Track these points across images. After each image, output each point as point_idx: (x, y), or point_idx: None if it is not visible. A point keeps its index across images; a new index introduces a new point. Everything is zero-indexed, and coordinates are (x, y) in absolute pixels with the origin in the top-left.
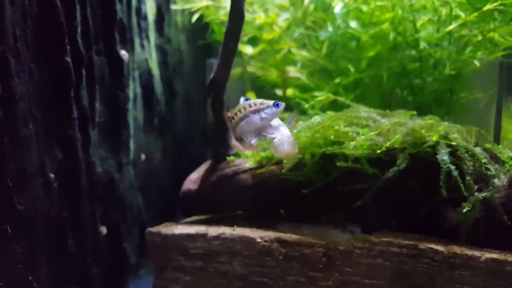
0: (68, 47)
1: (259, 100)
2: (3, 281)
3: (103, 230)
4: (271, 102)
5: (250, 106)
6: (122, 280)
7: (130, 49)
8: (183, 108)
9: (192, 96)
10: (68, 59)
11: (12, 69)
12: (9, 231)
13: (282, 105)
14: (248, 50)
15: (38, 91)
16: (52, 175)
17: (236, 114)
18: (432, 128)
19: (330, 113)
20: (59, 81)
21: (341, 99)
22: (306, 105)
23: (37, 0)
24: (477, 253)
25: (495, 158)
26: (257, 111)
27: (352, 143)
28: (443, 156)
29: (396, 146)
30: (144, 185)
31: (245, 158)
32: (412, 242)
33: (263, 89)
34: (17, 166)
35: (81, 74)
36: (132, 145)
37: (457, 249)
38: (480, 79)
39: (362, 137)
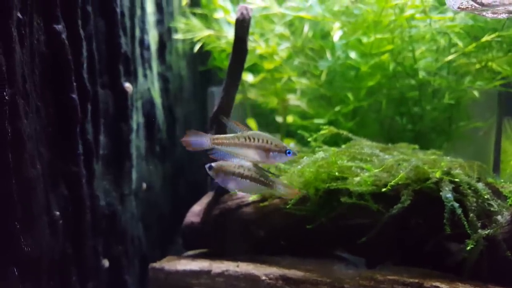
0: (74, 83)
1: (276, 141)
2: None
3: (105, 263)
4: (284, 148)
5: (265, 141)
6: None
7: (134, 80)
8: (182, 134)
9: (191, 122)
10: (75, 95)
11: (20, 111)
12: (16, 273)
13: (295, 154)
14: (249, 78)
15: (44, 129)
16: (58, 213)
17: (247, 138)
18: (435, 164)
19: (333, 149)
20: (65, 118)
21: (344, 132)
22: (310, 139)
23: (45, 39)
24: None
25: (497, 193)
26: (269, 150)
27: (356, 179)
28: (447, 193)
29: (400, 182)
30: (145, 215)
31: None
32: (417, 280)
33: (263, 115)
34: (24, 208)
35: (86, 109)
36: (134, 175)
37: (461, 286)
38: (478, 107)
39: (367, 173)
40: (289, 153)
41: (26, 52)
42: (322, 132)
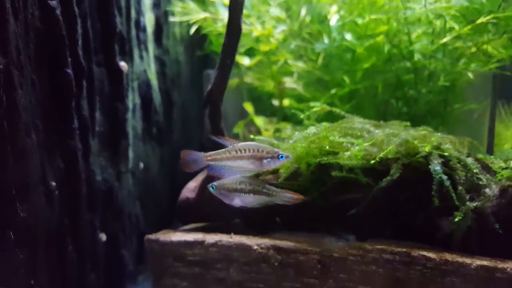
0: (69, 59)
1: (267, 148)
2: (5, 285)
3: (103, 237)
4: (276, 154)
5: (256, 150)
6: (121, 286)
7: (129, 60)
8: (180, 119)
9: (189, 107)
10: (69, 70)
11: (15, 81)
12: (12, 237)
13: (288, 158)
14: (245, 61)
15: (40, 102)
16: (54, 184)
17: (239, 150)
18: (425, 139)
19: (325, 124)
20: (61, 92)
21: (337, 110)
22: (302, 116)
23: (39, 14)
24: (468, 260)
25: (486, 168)
26: (261, 158)
27: (347, 153)
28: (436, 166)
29: (389, 156)
30: (142, 194)
31: None
32: (404, 250)
33: (260, 100)
34: (20, 175)
35: (81, 85)
36: (131, 154)
37: (448, 256)
38: (473, 90)
39: (357, 147)
40: (281, 157)
41: (20, 25)
42: (315, 109)
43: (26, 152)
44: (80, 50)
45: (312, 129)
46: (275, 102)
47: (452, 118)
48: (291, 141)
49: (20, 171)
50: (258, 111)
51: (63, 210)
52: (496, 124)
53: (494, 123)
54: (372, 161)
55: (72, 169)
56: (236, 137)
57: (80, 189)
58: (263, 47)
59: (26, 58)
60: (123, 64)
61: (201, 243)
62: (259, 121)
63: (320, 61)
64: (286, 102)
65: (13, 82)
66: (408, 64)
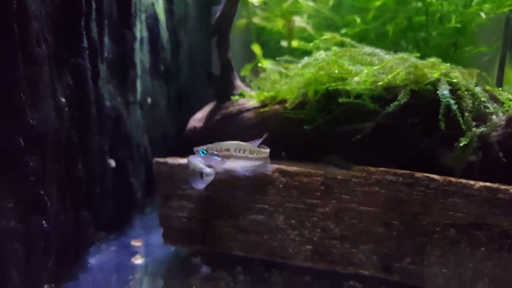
0: None
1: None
2: (15, 192)
3: (112, 163)
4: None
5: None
6: (129, 213)
7: None
8: (187, 60)
9: (196, 50)
10: None
11: None
12: (22, 143)
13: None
14: None
15: (49, 15)
16: (63, 100)
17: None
18: (434, 67)
19: (335, 48)
20: (70, 7)
21: (347, 39)
22: (311, 44)
23: None
24: (471, 182)
25: (494, 99)
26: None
27: (355, 79)
28: (443, 90)
29: (398, 82)
30: (150, 129)
31: (249, 98)
32: (408, 171)
33: (268, 44)
34: (29, 83)
35: (90, 4)
36: (139, 87)
37: (453, 179)
38: (485, 34)
39: (365, 72)
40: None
41: None
42: (324, 37)
43: (36, 60)
44: None
45: (321, 54)
46: (284, 43)
47: (461, 61)
48: (299, 65)
49: (29, 79)
50: (266, 56)
51: (72, 127)
52: (506, 69)
53: (503, 67)
54: (380, 83)
55: (81, 88)
56: (243, 79)
57: (89, 109)
58: None
59: None
60: None
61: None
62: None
63: (331, 1)
64: (295, 43)
65: None
66: (420, 4)
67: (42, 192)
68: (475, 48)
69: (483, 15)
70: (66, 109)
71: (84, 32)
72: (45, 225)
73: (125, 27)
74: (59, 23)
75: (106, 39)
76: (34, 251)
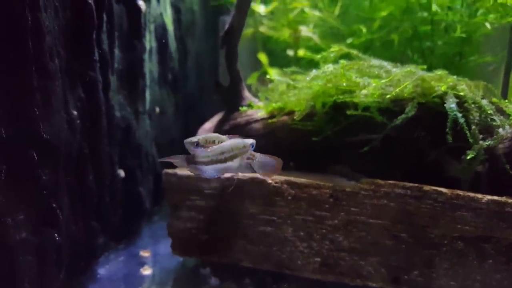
0: None
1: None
2: (28, 205)
3: (121, 173)
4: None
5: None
6: (137, 222)
7: (147, 1)
8: (194, 68)
9: (202, 58)
10: (90, 1)
11: (40, 2)
12: (35, 157)
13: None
14: (260, 9)
15: (62, 30)
16: (75, 112)
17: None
18: (441, 80)
19: (343, 61)
20: (82, 22)
21: (354, 52)
22: (319, 56)
23: None
24: (479, 195)
25: (500, 111)
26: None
27: (363, 92)
28: (451, 104)
29: (405, 95)
30: (158, 137)
31: (257, 109)
32: (416, 184)
33: (274, 53)
34: (43, 96)
35: (102, 18)
36: (148, 97)
37: (461, 192)
38: (490, 44)
39: (373, 85)
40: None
41: None
42: (331, 49)
43: (50, 73)
44: None
45: (329, 67)
46: (290, 52)
47: (467, 70)
48: (308, 78)
49: (43, 93)
50: (272, 65)
51: (83, 139)
52: (511, 78)
53: (509, 76)
54: (388, 96)
55: (92, 100)
56: (249, 88)
57: (100, 121)
58: None
59: None
60: (141, 3)
61: (217, 177)
62: (273, 72)
63: (337, 11)
64: (301, 52)
65: (37, 3)
66: (425, 14)
67: (54, 205)
68: (480, 57)
69: (488, 25)
70: (78, 121)
71: (95, 45)
72: (57, 238)
73: (135, 38)
74: (71, 36)
75: (116, 51)
76: (46, 264)
